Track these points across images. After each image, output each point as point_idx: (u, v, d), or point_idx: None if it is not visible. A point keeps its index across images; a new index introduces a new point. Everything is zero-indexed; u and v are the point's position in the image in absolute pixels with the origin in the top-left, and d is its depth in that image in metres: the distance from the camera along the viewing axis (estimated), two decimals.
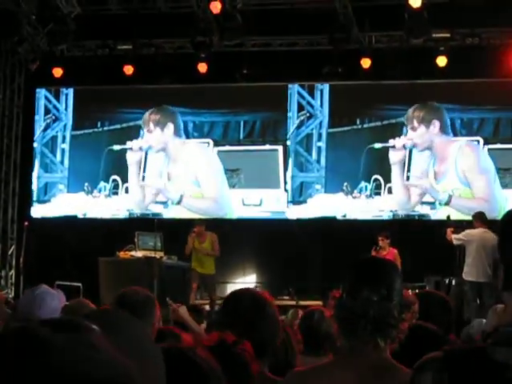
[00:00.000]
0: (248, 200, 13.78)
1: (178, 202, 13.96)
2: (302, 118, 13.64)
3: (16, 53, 16.23)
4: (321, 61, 15.67)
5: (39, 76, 16.51)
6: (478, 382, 1.83)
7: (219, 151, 13.68)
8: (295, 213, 13.44)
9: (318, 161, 13.53)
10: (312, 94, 13.82)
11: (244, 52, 15.87)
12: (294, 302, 13.77)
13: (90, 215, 14.10)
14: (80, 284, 13.61)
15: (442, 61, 15.04)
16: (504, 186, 13.21)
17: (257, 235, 15.76)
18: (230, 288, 16.00)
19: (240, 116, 13.88)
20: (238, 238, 15.12)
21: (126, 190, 13.97)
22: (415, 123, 13.23)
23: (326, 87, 13.86)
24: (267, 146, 13.64)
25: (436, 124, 13.25)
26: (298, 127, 13.67)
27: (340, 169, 13.39)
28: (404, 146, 13.19)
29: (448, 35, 15.06)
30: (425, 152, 12.97)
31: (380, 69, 15.28)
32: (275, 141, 13.56)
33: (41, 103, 14.62)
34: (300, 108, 13.69)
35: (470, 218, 12.45)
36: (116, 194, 14.11)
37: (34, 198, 14.25)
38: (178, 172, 13.60)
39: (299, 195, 13.53)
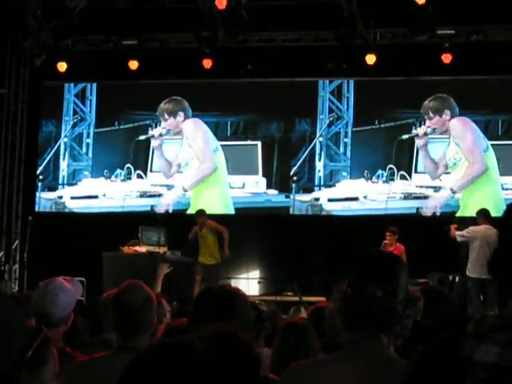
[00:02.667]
0: (234, 184, 16.49)
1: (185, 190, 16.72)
2: (331, 119, 16.39)
3: (21, 47, 16.24)
4: (325, 57, 15.69)
5: (44, 71, 16.53)
6: (440, 378, 1.74)
7: None
8: (327, 194, 16.20)
9: (345, 153, 16.30)
10: (340, 100, 16.39)
11: (248, 48, 15.87)
12: (297, 298, 13.77)
13: (108, 196, 16.80)
14: (84, 279, 13.61)
15: (446, 58, 15.04)
16: None
17: (260, 231, 15.80)
18: (234, 284, 16.05)
19: (227, 117, 16.82)
20: (242, 233, 15.15)
21: (138, 176, 16.84)
22: (430, 114, 15.78)
23: (352, 94, 16.34)
24: (248, 142, 16.68)
25: (447, 112, 15.76)
26: (329, 126, 16.41)
27: (362, 160, 16.14)
28: (425, 133, 15.87)
29: (453, 32, 15.04)
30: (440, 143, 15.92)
31: (384, 65, 15.29)
32: (255, 137, 16.66)
33: (70, 106, 17.27)
34: (330, 111, 16.45)
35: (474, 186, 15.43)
36: (129, 179, 16.81)
37: (65, 182, 17.08)
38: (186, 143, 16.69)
39: (330, 180, 16.28)
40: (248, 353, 2.55)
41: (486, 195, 15.30)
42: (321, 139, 16.41)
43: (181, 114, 16.65)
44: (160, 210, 16.53)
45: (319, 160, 16.40)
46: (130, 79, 16.38)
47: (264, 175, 16.52)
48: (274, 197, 16.39)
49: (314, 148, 16.44)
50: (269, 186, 16.47)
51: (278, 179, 16.45)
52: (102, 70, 16.57)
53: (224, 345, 2.39)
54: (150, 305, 4.01)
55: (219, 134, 16.78)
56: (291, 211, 16.28)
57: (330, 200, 16.21)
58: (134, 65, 15.90)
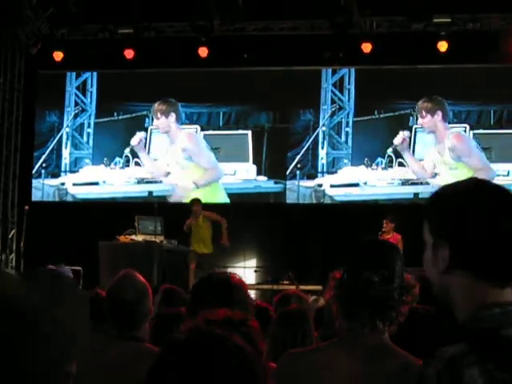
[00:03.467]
0: (226, 171, 17.33)
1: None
2: (333, 109, 17.25)
3: (17, 37, 16.19)
4: (321, 45, 15.67)
5: (40, 60, 16.50)
6: None
7: (205, 134, 17.55)
8: (329, 180, 17.04)
9: (346, 142, 17.17)
10: (341, 92, 17.22)
11: (244, 36, 15.85)
12: (294, 287, 13.79)
13: (108, 182, 17.49)
14: (80, 268, 13.65)
15: (442, 46, 15.03)
16: None
17: (257, 220, 15.82)
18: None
19: (219, 108, 17.64)
20: (239, 222, 15.16)
21: (136, 164, 17.58)
22: (423, 113, 16.61)
23: (353, 86, 17.10)
24: (239, 131, 17.55)
25: (439, 113, 16.58)
26: (331, 116, 17.24)
27: (362, 148, 16.97)
28: (403, 140, 16.85)
29: (449, 20, 15.03)
30: (430, 134, 16.83)
31: (380, 54, 15.29)
32: (246, 127, 17.52)
33: (72, 98, 17.99)
34: (332, 102, 17.29)
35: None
36: (128, 166, 17.56)
37: (67, 169, 17.77)
38: (175, 150, 17.49)
39: (332, 167, 17.16)
40: (253, 340, 2.52)
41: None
42: (324, 128, 17.25)
43: (172, 115, 17.51)
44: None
45: (322, 148, 17.28)
46: (126, 68, 16.37)
47: (254, 163, 17.35)
48: (264, 183, 17.21)
49: (317, 137, 17.27)
50: (258, 173, 17.29)
51: (267, 166, 17.22)
52: (99, 59, 16.54)
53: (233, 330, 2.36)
54: (143, 296, 3.94)
55: (212, 123, 17.59)
56: (295, 197, 16.78)
57: (332, 186, 17.05)
58: (129, 54, 15.88)
